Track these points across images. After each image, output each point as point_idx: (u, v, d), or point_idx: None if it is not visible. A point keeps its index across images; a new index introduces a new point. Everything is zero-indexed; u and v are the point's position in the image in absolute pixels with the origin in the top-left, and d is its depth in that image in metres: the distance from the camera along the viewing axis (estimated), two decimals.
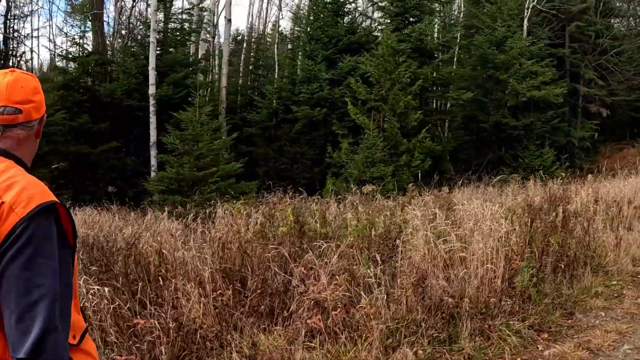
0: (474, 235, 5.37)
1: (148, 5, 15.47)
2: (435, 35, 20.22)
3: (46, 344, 1.39)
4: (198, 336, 4.41)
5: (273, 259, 5.78)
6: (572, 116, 21.24)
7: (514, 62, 16.66)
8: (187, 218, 8.86)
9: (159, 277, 5.54)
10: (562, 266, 5.57)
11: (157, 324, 4.54)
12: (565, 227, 6.09)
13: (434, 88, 16.78)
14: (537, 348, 4.50)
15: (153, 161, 13.99)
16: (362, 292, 4.43)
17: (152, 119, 14.14)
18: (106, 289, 4.75)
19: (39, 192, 1.48)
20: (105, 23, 18.85)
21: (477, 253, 5.09)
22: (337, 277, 4.98)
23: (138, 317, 4.84)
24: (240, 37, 30.22)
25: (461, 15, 23.81)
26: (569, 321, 5.09)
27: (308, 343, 4.25)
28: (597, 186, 10.69)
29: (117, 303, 4.76)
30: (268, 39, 27.27)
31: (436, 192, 11.62)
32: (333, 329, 4.31)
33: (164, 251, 6.22)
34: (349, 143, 14.99)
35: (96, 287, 4.81)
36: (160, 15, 15.42)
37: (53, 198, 1.50)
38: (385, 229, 5.63)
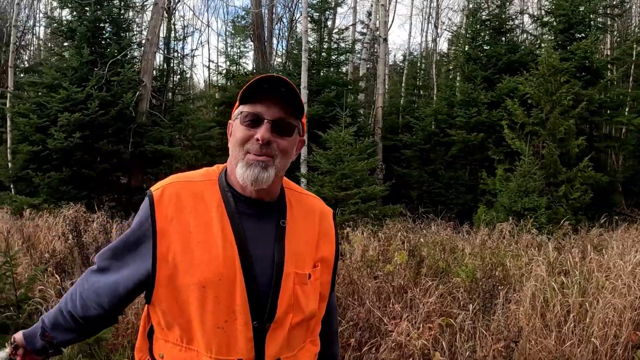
0: (602, 292, 4.69)
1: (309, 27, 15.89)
2: (607, 52, 18.35)
3: None
4: None
5: (379, 292, 5.59)
6: None
7: None
8: None
9: None
10: None
11: None
12: None
13: (602, 111, 15.15)
14: None
15: (302, 179, 14.38)
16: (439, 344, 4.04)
17: (304, 137, 14.47)
18: None
19: None
20: (266, 43, 19.86)
21: (598, 314, 4.43)
22: (433, 320, 4.67)
23: None
24: (403, 57, 30.15)
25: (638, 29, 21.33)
26: None
27: None
28: None
29: None
30: (427, 60, 26.80)
31: (597, 230, 10.54)
32: None
33: None
34: (504, 170, 14.08)
35: None
36: (315, 35, 15.85)
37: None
38: (486, 274, 5.11)
